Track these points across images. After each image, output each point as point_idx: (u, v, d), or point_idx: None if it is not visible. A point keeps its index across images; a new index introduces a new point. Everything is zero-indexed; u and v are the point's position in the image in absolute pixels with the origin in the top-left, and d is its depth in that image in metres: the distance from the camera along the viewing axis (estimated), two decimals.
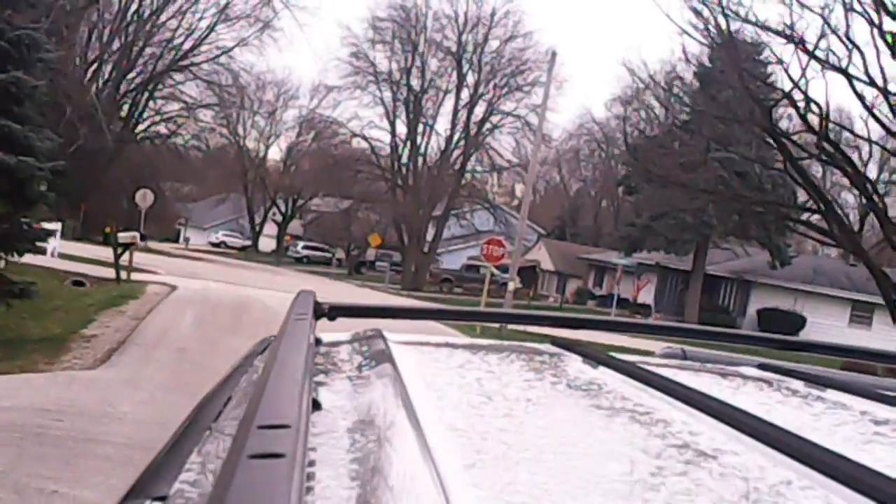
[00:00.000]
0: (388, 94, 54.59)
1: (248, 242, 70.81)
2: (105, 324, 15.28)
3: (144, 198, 31.53)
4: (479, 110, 53.66)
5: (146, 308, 18.03)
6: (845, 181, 25.76)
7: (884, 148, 20.56)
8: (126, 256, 24.71)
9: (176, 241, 64.89)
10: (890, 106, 17.01)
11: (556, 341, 1.70)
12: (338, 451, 0.84)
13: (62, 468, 7.01)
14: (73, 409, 8.97)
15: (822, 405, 1.36)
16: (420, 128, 54.58)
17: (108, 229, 37.94)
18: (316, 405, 0.99)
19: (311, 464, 0.78)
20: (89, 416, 8.82)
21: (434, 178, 52.84)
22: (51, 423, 8.33)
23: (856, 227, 20.06)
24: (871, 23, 16.82)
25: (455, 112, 54.01)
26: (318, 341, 1.46)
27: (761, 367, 1.73)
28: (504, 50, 53.29)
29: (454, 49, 53.29)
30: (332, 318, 1.54)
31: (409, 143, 54.47)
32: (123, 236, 24.89)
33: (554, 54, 30.02)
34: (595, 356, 1.49)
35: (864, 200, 17.81)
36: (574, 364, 1.50)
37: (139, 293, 20.71)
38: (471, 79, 53.68)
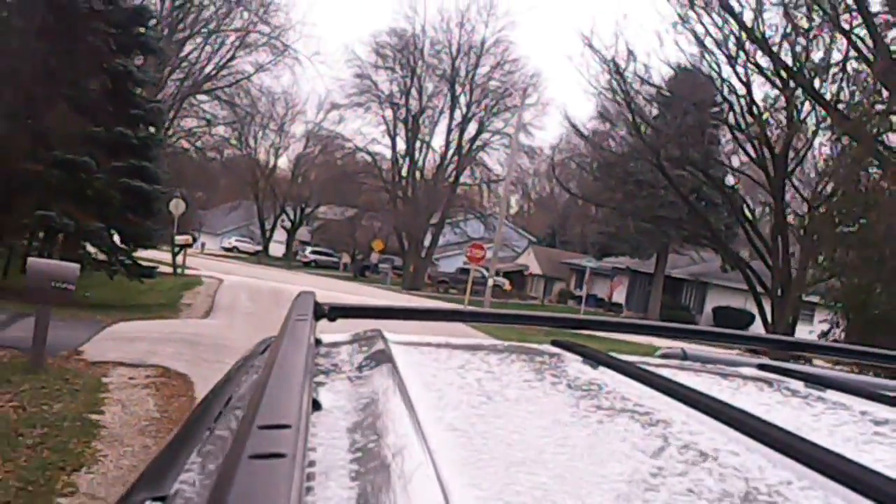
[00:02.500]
0: (388, 113, 58.40)
1: (260, 247, 73.20)
2: (191, 298, 21.93)
3: (177, 206, 34.18)
4: (472, 128, 57.60)
5: (211, 291, 24.62)
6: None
7: (747, 175, 26.97)
8: (180, 256, 31.07)
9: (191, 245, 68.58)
10: (753, 146, 23.30)
11: (556, 341, 1.68)
12: (338, 451, 0.84)
13: (214, 354, 13.34)
14: (204, 334, 15.45)
15: (822, 405, 1.34)
16: (418, 144, 58.31)
17: None
18: (316, 405, 1.00)
19: (312, 464, 0.78)
20: (213, 337, 15.27)
21: (431, 189, 56.39)
22: (196, 339, 14.82)
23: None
24: (734, 91, 23.18)
25: (449, 130, 57.75)
26: (318, 342, 1.47)
27: (761, 367, 1.72)
28: (493, 75, 56.94)
29: (448, 73, 57.09)
30: (332, 319, 1.54)
31: (408, 158, 58.23)
32: (180, 239, 30.92)
33: (525, 90, 36.16)
34: (595, 356, 1.47)
35: (737, 217, 24.17)
36: (574, 364, 1.48)
37: (199, 282, 27.29)
38: (463, 100, 57.45)
